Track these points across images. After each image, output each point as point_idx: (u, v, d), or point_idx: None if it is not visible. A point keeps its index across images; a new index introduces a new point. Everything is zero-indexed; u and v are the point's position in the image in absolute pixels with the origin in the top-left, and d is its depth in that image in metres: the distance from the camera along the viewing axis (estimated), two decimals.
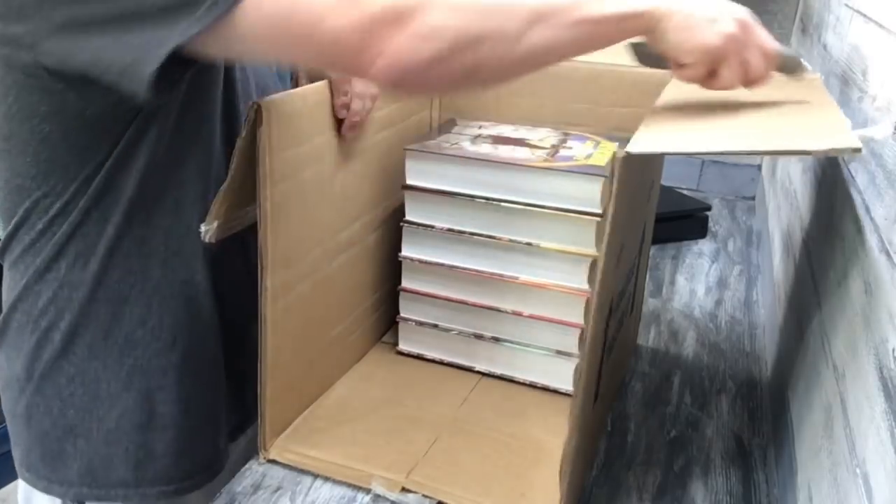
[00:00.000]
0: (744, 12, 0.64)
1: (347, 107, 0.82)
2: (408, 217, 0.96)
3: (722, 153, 0.56)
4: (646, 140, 0.58)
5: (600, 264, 0.62)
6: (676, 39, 0.62)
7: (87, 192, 0.70)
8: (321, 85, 0.80)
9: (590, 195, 0.86)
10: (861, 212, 0.68)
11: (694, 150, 0.57)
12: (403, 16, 0.55)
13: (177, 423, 0.78)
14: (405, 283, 0.99)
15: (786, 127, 0.65)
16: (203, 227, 0.72)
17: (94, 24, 0.58)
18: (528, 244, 0.90)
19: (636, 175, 0.75)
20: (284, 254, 0.78)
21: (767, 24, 1.71)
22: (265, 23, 0.56)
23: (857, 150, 0.52)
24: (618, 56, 1.04)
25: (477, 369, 0.98)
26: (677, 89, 0.81)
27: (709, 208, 1.49)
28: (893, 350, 0.52)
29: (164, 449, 0.78)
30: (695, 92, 0.69)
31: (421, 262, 0.96)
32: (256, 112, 0.69)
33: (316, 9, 0.55)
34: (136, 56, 0.57)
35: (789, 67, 0.70)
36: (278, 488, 0.78)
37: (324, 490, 0.78)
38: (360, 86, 0.83)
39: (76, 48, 0.60)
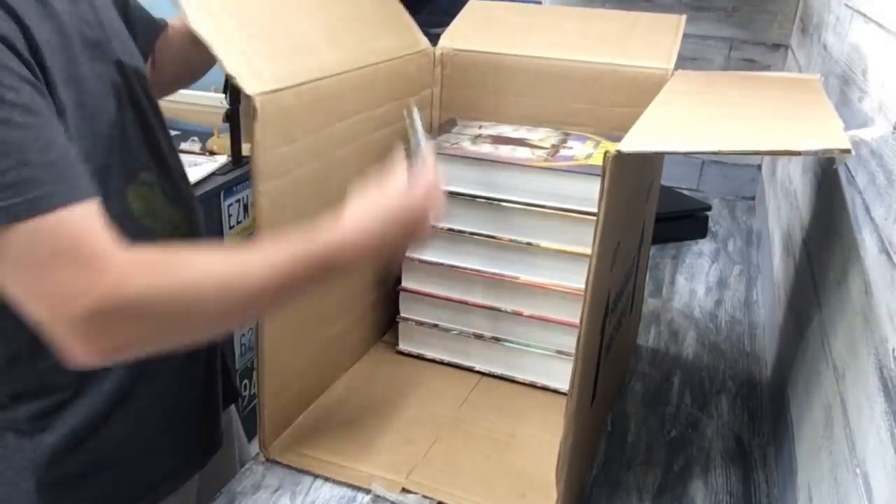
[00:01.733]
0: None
1: None
2: None
3: (712, 152, 0.56)
4: (638, 139, 0.59)
5: (592, 263, 0.62)
6: None
7: None
8: (315, 83, 0.80)
9: (590, 195, 0.86)
10: (861, 212, 0.68)
11: (685, 150, 0.57)
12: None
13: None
14: (405, 283, 0.99)
15: (778, 127, 0.65)
16: None
17: None
18: (528, 244, 0.90)
19: (632, 174, 0.75)
20: None
21: (767, 24, 1.71)
22: (4, 264, 0.57)
23: (847, 152, 0.52)
24: (618, 56, 1.04)
25: (477, 369, 0.98)
26: (674, 89, 0.81)
27: (709, 208, 1.49)
28: (893, 350, 0.52)
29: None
30: (691, 92, 0.69)
31: (421, 262, 0.96)
32: (253, 108, 0.69)
33: (44, 283, 0.56)
34: None
35: None
36: (278, 488, 0.78)
37: (324, 490, 0.78)
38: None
39: None
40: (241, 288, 0.61)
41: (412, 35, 1.05)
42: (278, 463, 0.81)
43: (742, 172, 1.71)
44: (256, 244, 0.64)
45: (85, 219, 0.58)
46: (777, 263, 1.18)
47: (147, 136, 0.76)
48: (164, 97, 0.87)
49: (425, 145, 0.81)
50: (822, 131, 0.60)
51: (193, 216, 0.81)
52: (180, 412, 0.81)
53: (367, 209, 0.70)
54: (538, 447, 0.84)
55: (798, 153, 0.53)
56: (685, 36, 1.04)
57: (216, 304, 0.60)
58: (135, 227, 0.71)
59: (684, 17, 1.08)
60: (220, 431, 0.89)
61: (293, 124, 0.76)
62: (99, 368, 0.69)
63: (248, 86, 0.69)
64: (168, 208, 0.77)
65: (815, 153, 0.53)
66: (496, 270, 0.93)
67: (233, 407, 1.00)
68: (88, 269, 0.56)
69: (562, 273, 0.90)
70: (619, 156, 0.56)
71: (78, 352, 0.57)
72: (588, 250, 0.63)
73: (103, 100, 0.70)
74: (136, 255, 0.58)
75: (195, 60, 0.94)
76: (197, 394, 0.84)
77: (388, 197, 0.72)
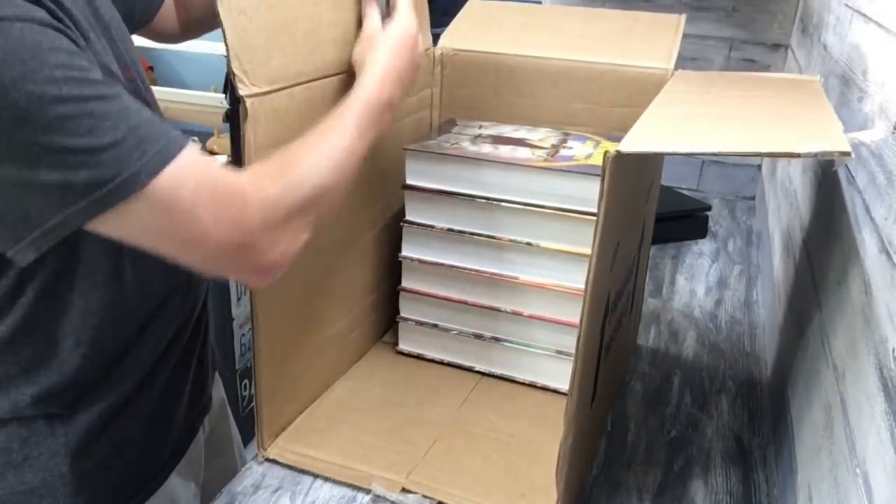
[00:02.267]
0: None
1: None
2: (408, 217, 0.96)
3: (712, 154, 0.56)
4: (638, 139, 0.59)
5: (592, 263, 0.62)
6: None
7: None
8: (309, 84, 0.80)
9: (590, 195, 0.86)
10: (861, 212, 0.68)
11: (685, 151, 0.57)
12: (272, 230, 0.65)
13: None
14: (405, 283, 0.99)
15: (778, 129, 0.65)
16: None
17: None
18: (528, 244, 0.90)
19: (632, 174, 0.75)
20: None
21: (767, 24, 1.71)
22: (154, 223, 0.60)
23: (846, 154, 0.52)
24: (618, 56, 1.04)
25: (477, 369, 0.98)
26: (674, 89, 0.81)
27: (709, 208, 1.49)
28: (893, 350, 0.52)
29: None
30: (691, 93, 0.69)
31: (421, 262, 0.96)
32: (244, 108, 0.69)
33: (200, 224, 0.61)
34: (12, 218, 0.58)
35: None
36: (278, 488, 0.78)
37: (324, 490, 0.78)
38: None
39: None
40: (345, 158, 0.71)
41: None
42: (278, 463, 0.81)
43: (742, 172, 1.71)
44: (327, 123, 0.72)
45: (199, 158, 0.62)
46: (777, 263, 1.18)
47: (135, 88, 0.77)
48: (193, 36, 0.97)
49: None
50: (822, 133, 0.60)
51: None
52: (186, 382, 0.83)
53: (374, 60, 0.78)
54: (538, 447, 0.84)
55: (798, 155, 0.53)
56: (685, 36, 1.04)
57: (334, 176, 0.69)
58: None
59: (684, 16, 1.08)
60: (210, 394, 0.90)
61: (285, 126, 0.76)
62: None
63: (241, 87, 0.69)
64: None
65: (815, 155, 0.53)
66: (496, 270, 0.93)
67: (230, 413, 1.00)
68: (231, 201, 0.62)
69: (562, 273, 0.90)
70: (619, 156, 0.56)
71: (257, 273, 0.66)
72: (588, 250, 0.63)
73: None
74: (255, 174, 0.65)
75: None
76: (193, 364, 0.86)
77: (384, 42, 0.80)
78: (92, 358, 0.71)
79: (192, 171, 0.60)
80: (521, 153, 0.92)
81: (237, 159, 0.74)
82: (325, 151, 0.69)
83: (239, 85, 0.69)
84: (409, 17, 0.81)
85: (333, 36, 0.82)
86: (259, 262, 0.65)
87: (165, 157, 0.58)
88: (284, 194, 0.65)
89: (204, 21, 0.96)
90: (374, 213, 0.97)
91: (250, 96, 0.70)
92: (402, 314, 1.00)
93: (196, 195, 0.60)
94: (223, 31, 0.67)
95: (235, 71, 0.69)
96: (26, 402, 0.70)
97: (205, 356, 0.88)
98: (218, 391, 0.96)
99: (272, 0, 0.73)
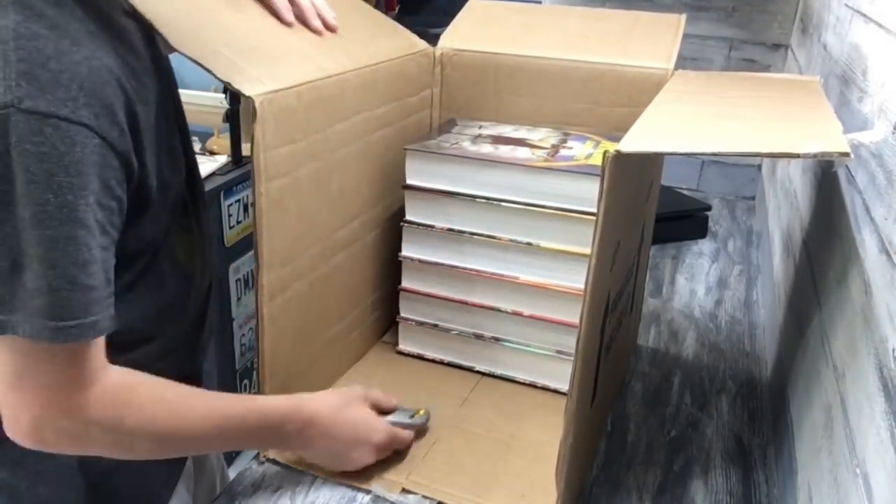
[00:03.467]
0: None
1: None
2: (408, 217, 0.96)
3: (712, 154, 0.56)
4: (638, 139, 0.59)
5: (592, 263, 0.62)
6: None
7: None
8: (314, 84, 0.80)
9: (589, 195, 0.86)
10: (861, 212, 0.68)
11: (685, 150, 0.57)
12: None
13: None
14: (405, 283, 0.99)
15: (777, 129, 0.66)
16: None
17: None
18: (528, 244, 0.90)
19: (632, 174, 0.75)
20: (280, 251, 0.78)
21: (767, 24, 1.71)
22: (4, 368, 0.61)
23: (846, 155, 0.52)
24: (618, 56, 1.04)
25: (477, 369, 0.98)
26: (674, 89, 0.81)
27: (709, 208, 1.49)
28: (893, 350, 0.52)
29: None
30: (691, 93, 0.69)
31: (421, 262, 0.96)
32: (253, 108, 0.69)
33: (19, 396, 0.61)
34: None
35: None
36: (278, 488, 0.78)
37: (324, 490, 0.78)
38: None
39: None
40: (177, 440, 0.68)
41: (408, 38, 1.05)
42: (278, 463, 0.81)
43: (742, 172, 1.71)
44: (218, 396, 0.70)
45: (93, 351, 0.61)
46: (777, 263, 1.18)
47: (189, 177, 0.79)
48: None
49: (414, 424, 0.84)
50: (822, 134, 0.60)
51: (208, 241, 0.85)
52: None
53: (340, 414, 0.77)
54: (538, 447, 0.84)
55: (797, 156, 0.53)
56: (685, 36, 1.04)
57: (151, 447, 0.68)
58: (179, 272, 0.77)
59: (684, 16, 1.08)
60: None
61: (293, 125, 0.76)
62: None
63: (247, 87, 0.69)
64: (199, 245, 0.81)
65: (814, 156, 0.53)
66: (496, 270, 0.93)
67: None
68: (62, 397, 0.61)
69: (562, 273, 0.90)
70: (619, 156, 0.56)
71: (30, 439, 0.62)
72: (588, 250, 0.63)
73: (172, 158, 0.73)
74: (113, 386, 0.63)
75: None
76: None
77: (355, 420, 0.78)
78: None
79: (83, 355, 0.60)
80: (521, 153, 0.92)
81: (237, 159, 0.74)
82: (170, 428, 0.66)
83: (241, 87, 0.69)
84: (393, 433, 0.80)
85: (316, 52, 0.83)
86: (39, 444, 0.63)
87: (83, 335, 0.59)
88: (102, 424, 0.63)
89: None
90: (375, 214, 0.97)
91: (260, 95, 0.70)
92: (402, 314, 1.00)
93: (60, 374, 0.60)
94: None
95: (224, 79, 0.68)
96: None
97: (199, 372, 0.89)
98: None
99: (231, 36, 0.75)
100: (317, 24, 0.86)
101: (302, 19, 0.85)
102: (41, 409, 0.61)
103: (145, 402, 0.65)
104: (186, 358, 0.82)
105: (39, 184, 0.55)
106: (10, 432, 0.62)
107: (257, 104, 0.69)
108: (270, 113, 0.71)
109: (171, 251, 0.75)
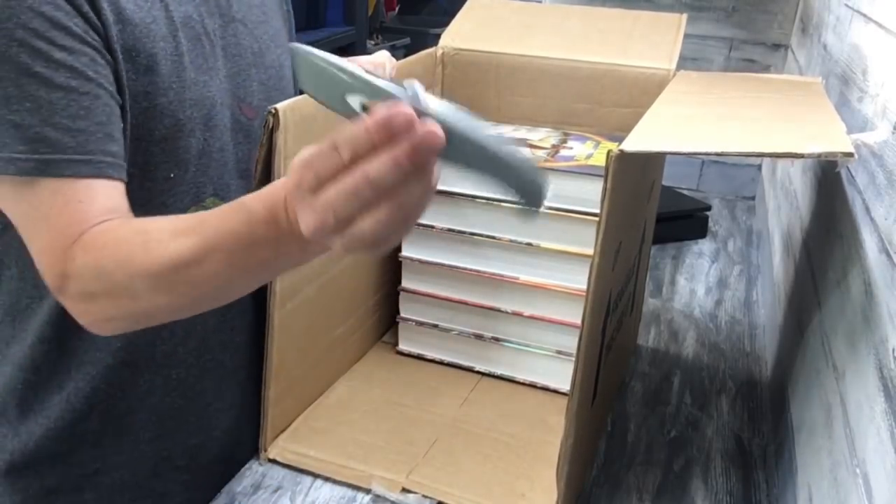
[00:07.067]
0: None
1: None
2: None
3: (716, 154, 0.56)
4: (641, 139, 0.59)
5: (595, 262, 0.62)
6: None
7: None
8: None
9: (590, 195, 0.86)
10: (861, 212, 0.68)
11: (688, 150, 0.57)
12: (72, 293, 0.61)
13: None
14: (405, 283, 0.99)
15: (781, 129, 0.66)
16: None
17: None
18: (528, 244, 0.90)
19: (634, 174, 0.75)
20: None
21: (767, 24, 1.71)
22: (13, 212, 0.63)
23: (850, 155, 0.52)
24: (620, 56, 1.04)
25: (477, 369, 0.98)
26: (676, 90, 0.81)
27: (709, 208, 1.49)
28: (893, 350, 0.52)
29: None
30: (693, 93, 0.69)
31: (421, 262, 0.96)
32: (274, 117, 0.69)
33: (35, 246, 0.62)
34: None
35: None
36: (278, 488, 0.78)
37: (324, 490, 0.78)
38: (366, 58, 0.85)
39: None
40: (170, 272, 0.57)
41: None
42: (278, 463, 0.81)
43: (742, 172, 1.71)
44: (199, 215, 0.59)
45: (87, 192, 0.60)
46: (777, 263, 1.18)
47: (240, 168, 0.76)
48: None
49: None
50: (825, 134, 0.60)
51: None
52: None
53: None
54: (538, 447, 0.84)
55: (801, 156, 0.53)
56: (685, 36, 1.04)
57: (151, 291, 0.59)
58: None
59: (685, 16, 1.08)
60: None
61: (313, 132, 0.76)
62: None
63: None
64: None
65: (818, 156, 0.53)
66: (496, 270, 0.93)
67: None
68: (62, 241, 0.59)
69: (562, 273, 0.90)
70: (623, 155, 0.56)
71: (54, 287, 0.61)
72: (588, 251, 0.63)
73: (200, 110, 0.70)
74: (100, 230, 0.60)
75: None
76: None
77: None
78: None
79: (64, 196, 0.60)
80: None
81: None
82: (159, 265, 0.57)
83: None
84: None
85: None
86: (71, 307, 0.62)
87: (47, 170, 0.59)
88: (83, 272, 0.60)
89: None
90: None
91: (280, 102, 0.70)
92: (402, 314, 1.00)
93: (47, 218, 0.60)
94: None
95: None
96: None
97: None
98: None
99: None
100: None
101: None
102: (41, 255, 0.61)
103: (122, 239, 0.60)
104: None
105: None
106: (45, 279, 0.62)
107: (280, 112, 0.69)
108: (292, 121, 0.71)
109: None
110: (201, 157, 0.72)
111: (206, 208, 0.67)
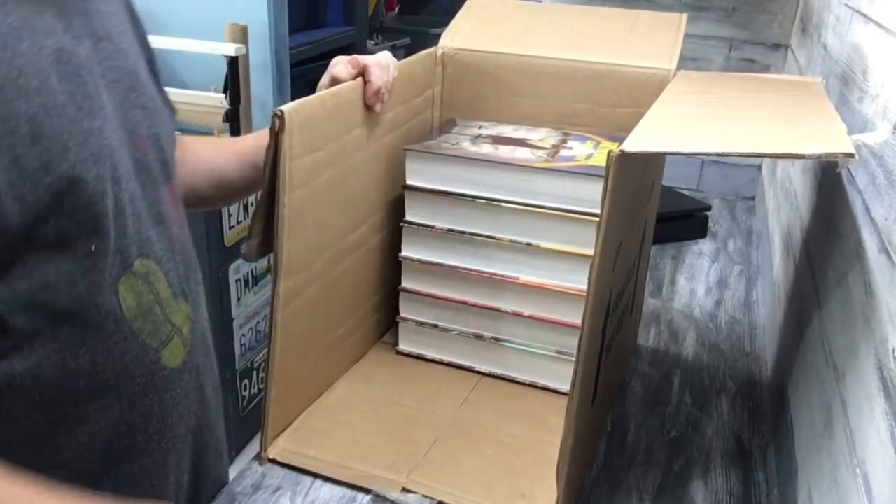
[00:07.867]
0: None
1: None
2: (408, 217, 0.96)
3: (717, 154, 0.56)
4: (642, 139, 0.59)
5: (595, 262, 0.62)
6: None
7: None
8: (337, 89, 0.80)
9: (590, 196, 0.86)
10: (861, 212, 0.68)
11: (689, 151, 0.57)
12: None
13: None
14: (405, 284, 0.99)
15: (782, 129, 0.66)
16: (243, 248, 0.72)
17: None
18: (528, 244, 0.90)
19: (635, 174, 0.75)
20: (297, 259, 0.78)
21: (767, 24, 1.71)
22: None
23: (851, 156, 0.52)
24: (620, 56, 1.04)
25: (477, 369, 0.98)
26: (677, 90, 0.81)
27: (709, 208, 1.49)
28: (893, 350, 0.52)
29: None
30: (694, 93, 0.70)
31: (421, 262, 0.96)
32: (280, 119, 0.69)
33: None
34: None
35: None
36: (278, 488, 0.78)
37: (324, 490, 0.78)
38: (371, 58, 0.84)
39: None
40: None
41: None
42: (278, 463, 0.81)
43: (742, 172, 1.71)
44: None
45: None
46: (777, 263, 1.18)
47: (153, 213, 0.66)
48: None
49: None
50: (826, 135, 0.60)
51: (198, 312, 0.72)
52: None
53: None
54: (538, 447, 0.84)
55: (802, 156, 0.53)
56: (685, 36, 1.04)
57: None
58: (120, 330, 0.61)
59: (685, 15, 1.08)
60: None
61: (317, 133, 0.76)
62: None
63: None
64: (167, 305, 0.66)
65: (819, 157, 0.53)
66: (496, 270, 0.93)
67: None
68: None
69: (562, 273, 0.90)
70: (623, 155, 0.56)
71: None
72: (588, 251, 0.63)
73: (104, 163, 0.59)
74: None
75: (228, 176, 0.85)
76: None
77: None
78: None
79: None
80: (521, 153, 0.92)
81: None
82: None
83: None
84: None
85: None
86: None
87: None
88: None
89: (203, 202, 0.87)
90: (381, 216, 0.97)
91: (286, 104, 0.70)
92: (402, 314, 1.00)
93: None
94: None
95: None
96: None
97: None
98: None
99: None
100: (369, 94, 0.85)
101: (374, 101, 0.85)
102: None
103: None
104: None
105: None
106: None
107: (285, 114, 0.69)
108: (297, 123, 0.71)
109: (110, 294, 0.61)
110: (117, 216, 0.61)
111: (135, 274, 0.63)
